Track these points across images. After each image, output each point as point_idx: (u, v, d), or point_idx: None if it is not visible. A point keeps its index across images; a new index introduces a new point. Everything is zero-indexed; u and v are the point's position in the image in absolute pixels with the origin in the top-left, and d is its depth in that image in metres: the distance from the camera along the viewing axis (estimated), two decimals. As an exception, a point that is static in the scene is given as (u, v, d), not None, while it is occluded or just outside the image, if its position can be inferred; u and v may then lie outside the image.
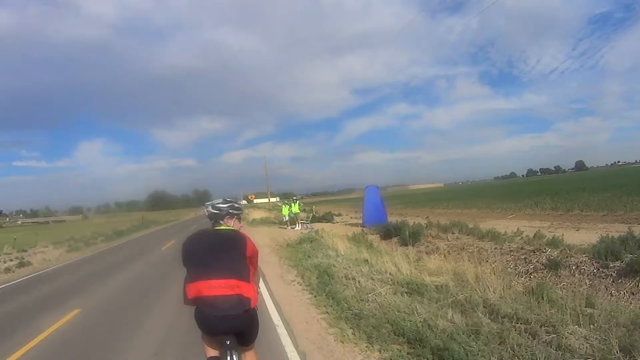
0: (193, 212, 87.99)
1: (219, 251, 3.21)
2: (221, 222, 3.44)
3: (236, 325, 3.08)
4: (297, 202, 25.94)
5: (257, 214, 50.36)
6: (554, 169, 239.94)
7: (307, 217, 26.64)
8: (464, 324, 5.29)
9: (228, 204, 3.47)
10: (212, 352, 3.21)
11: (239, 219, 3.60)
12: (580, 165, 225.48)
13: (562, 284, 8.74)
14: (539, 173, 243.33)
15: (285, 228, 25.57)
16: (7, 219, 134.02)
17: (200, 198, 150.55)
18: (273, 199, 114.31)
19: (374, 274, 8.66)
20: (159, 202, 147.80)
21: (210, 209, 3.44)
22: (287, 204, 27.18)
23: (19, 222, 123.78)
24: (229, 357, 3.06)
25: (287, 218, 26.44)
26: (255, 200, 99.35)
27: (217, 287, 3.04)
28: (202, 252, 3.22)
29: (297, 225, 25.10)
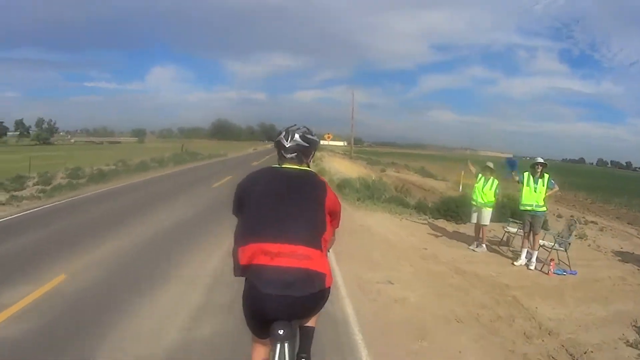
0: (252, 147, 75.14)
1: (289, 202, 2.24)
2: (304, 160, 2.47)
3: (299, 310, 2.16)
4: (546, 175, 7.62)
5: (342, 165, 32.96)
6: (625, 163, 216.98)
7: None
8: None
9: (315, 136, 2.51)
10: (260, 345, 2.28)
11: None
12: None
13: None
14: (609, 165, 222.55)
15: (476, 249, 8.47)
16: (69, 137, 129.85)
17: (266, 132, 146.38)
18: (339, 143, 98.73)
19: None
20: (222, 130, 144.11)
21: (298, 138, 2.42)
22: (490, 171, 8.56)
23: (72, 140, 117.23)
24: (278, 350, 2.09)
25: (481, 217, 8.43)
26: (329, 142, 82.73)
27: (278, 255, 2.09)
28: (265, 201, 2.25)
29: (523, 253, 7.71)
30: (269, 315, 2.13)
